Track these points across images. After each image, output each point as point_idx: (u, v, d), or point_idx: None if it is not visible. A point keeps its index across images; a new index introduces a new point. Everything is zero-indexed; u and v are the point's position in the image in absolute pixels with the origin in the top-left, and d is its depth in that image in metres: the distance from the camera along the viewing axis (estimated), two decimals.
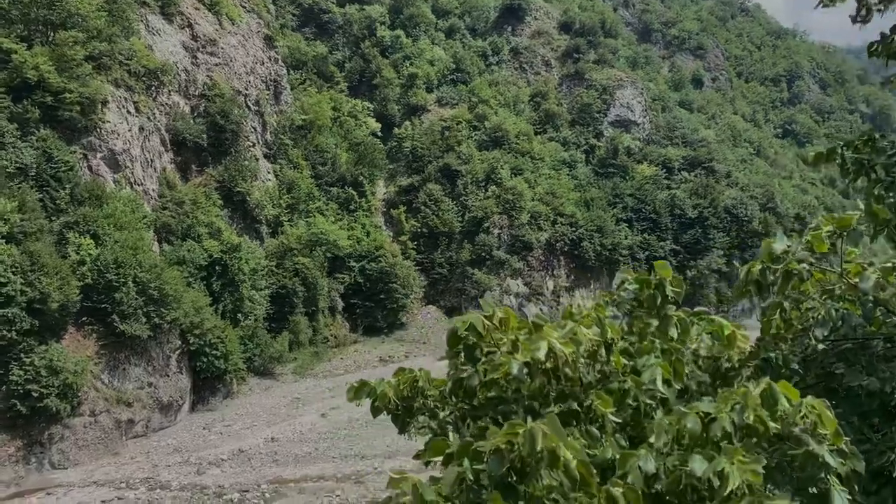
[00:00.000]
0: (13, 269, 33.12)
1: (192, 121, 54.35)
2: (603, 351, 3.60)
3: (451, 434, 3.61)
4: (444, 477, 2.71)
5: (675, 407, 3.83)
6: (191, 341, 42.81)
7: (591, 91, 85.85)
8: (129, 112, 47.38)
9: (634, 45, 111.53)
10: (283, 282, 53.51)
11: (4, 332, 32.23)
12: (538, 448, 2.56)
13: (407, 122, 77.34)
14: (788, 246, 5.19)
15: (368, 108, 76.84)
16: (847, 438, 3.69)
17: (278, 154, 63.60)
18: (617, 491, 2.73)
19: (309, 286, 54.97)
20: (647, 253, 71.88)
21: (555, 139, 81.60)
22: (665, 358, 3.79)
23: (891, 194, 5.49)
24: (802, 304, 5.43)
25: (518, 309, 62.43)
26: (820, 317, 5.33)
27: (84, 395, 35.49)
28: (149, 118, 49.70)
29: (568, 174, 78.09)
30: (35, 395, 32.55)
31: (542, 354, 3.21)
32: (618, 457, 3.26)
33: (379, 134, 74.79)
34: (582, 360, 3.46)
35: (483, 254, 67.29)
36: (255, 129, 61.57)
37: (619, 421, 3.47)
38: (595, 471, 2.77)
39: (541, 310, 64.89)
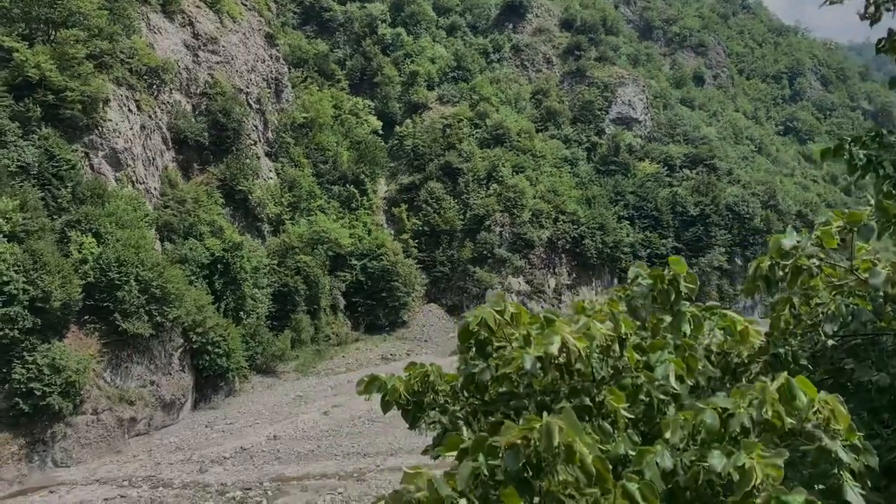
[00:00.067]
0: (15, 268, 33.13)
1: (193, 119, 54.34)
2: (616, 346, 3.56)
3: (464, 430, 3.58)
4: (458, 472, 2.68)
5: (686, 402, 3.80)
6: (193, 339, 42.82)
7: (592, 88, 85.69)
8: (130, 110, 47.37)
9: (636, 42, 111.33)
10: (285, 280, 53.51)
11: (7, 331, 32.24)
12: (555, 443, 2.53)
13: (408, 120, 77.23)
14: (798, 241, 5.16)
15: (369, 106, 76.78)
16: (860, 434, 3.66)
17: (280, 152, 63.56)
18: (633, 486, 2.70)
19: (311, 284, 54.97)
20: (648, 251, 71.80)
21: (556, 137, 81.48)
22: (678, 354, 3.76)
23: None
24: (812, 300, 5.40)
25: None
26: (830, 312, 5.30)
27: (86, 393, 35.52)
28: (150, 116, 49.68)
29: (569, 172, 77.98)
30: (38, 393, 32.57)
31: (555, 349, 3.18)
32: (630, 452, 3.23)
33: (380, 132, 74.72)
34: (595, 355, 3.42)
35: (484, 252, 67.24)
36: (256, 127, 61.53)
37: (632, 417, 3.44)
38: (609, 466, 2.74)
39: (542, 307, 64.84)
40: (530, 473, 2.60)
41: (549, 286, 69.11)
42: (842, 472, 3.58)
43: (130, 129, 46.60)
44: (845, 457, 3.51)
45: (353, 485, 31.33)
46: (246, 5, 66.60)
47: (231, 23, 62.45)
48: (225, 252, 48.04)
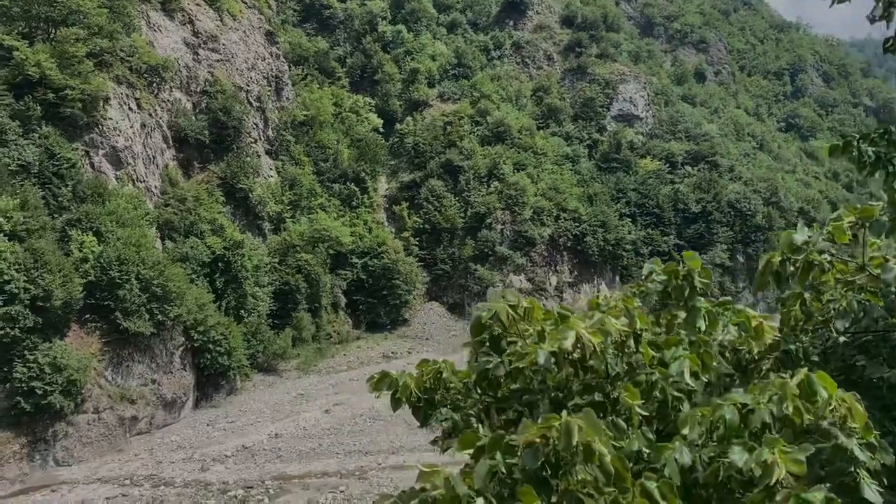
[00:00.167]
0: (16, 267, 33.11)
1: (193, 117, 54.27)
2: (631, 342, 3.51)
3: (479, 427, 3.52)
4: (475, 470, 2.63)
5: (699, 399, 3.74)
6: (194, 338, 42.81)
7: (593, 85, 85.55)
8: (130, 109, 47.31)
9: (637, 39, 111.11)
10: (286, 278, 53.49)
11: (8, 330, 32.24)
12: (574, 442, 2.48)
13: (409, 118, 77.12)
14: (809, 236, 5.10)
15: (370, 103, 76.66)
16: (876, 433, 3.62)
17: (280, 150, 63.49)
18: (651, 485, 2.65)
19: (311, 283, 54.96)
20: (650, 248, 71.71)
21: (557, 134, 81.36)
22: (692, 350, 3.71)
23: None
24: (823, 296, 5.34)
25: None
26: (841, 308, 5.23)
27: (88, 392, 35.51)
28: (150, 115, 49.62)
29: (571, 169, 77.87)
30: (39, 392, 32.57)
31: (569, 344, 3.12)
32: (644, 449, 3.19)
33: (381, 130, 74.62)
34: (610, 350, 3.37)
35: (486, 250, 67.19)
36: (256, 125, 61.45)
37: (645, 414, 3.39)
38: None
39: (543, 305, 64.66)
40: (549, 472, 2.55)
41: (550, 284, 69.06)
42: (858, 471, 3.54)
43: (131, 127, 46.54)
44: (862, 455, 3.46)
45: (355, 483, 31.32)
46: (246, 3, 66.49)
47: (231, 21, 62.35)
48: (226, 250, 48.03)
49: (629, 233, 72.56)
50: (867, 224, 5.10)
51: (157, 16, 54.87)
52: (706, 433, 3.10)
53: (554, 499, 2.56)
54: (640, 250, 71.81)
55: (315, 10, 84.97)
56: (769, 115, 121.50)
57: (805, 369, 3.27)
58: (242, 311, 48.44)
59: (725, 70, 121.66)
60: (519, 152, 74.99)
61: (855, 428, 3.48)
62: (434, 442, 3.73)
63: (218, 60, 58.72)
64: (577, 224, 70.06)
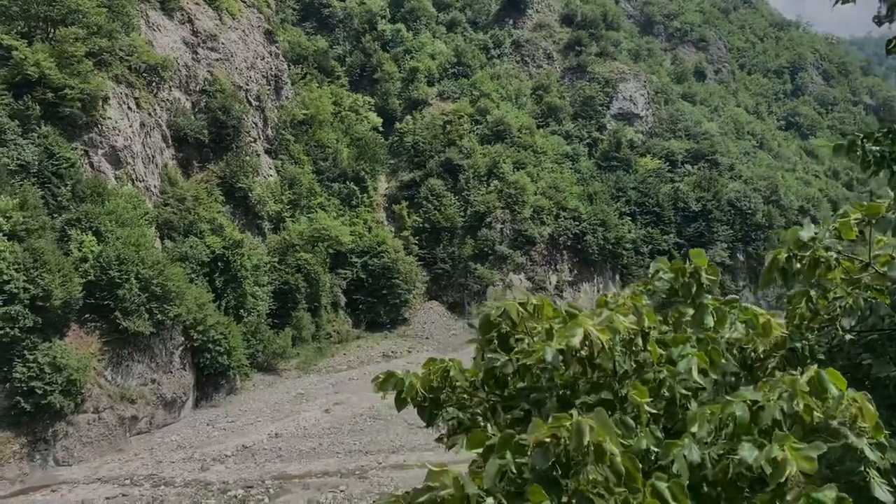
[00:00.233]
0: (16, 267, 33.06)
1: (193, 116, 54.20)
2: (640, 339, 3.47)
3: (487, 426, 3.48)
4: (485, 469, 2.59)
5: (705, 397, 3.71)
6: (194, 338, 42.77)
7: (593, 84, 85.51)
8: (129, 108, 47.25)
9: (636, 37, 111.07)
10: (286, 278, 53.44)
11: (7, 330, 32.19)
12: (585, 442, 2.44)
13: (408, 117, 77.05)
14: (816, 233, 5.07)
15: (369, 102, 76.57)
16: (886, 433, 3.59)
17: (279, 149, 63.42)
18: (662, 485, 2.61)
19: (311, 282, 54.92)
20: (650, 247, 71.70)
21: (557, 133, 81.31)
22: (700, 347, 3.67)
23: None
24: (829, 293, 5.31)
25: None
26: (847, 306, 5.20)
27: (88, 391, 35.47)
28: (150, 114, 49.56)
29: (571, 168, 77.84)
30: (39, 392, 32.53)
31: (577, 341, 3.09)
32: (653, 447, 3.15)
33: (380, 129, 74.55)
34: (618, 348, 3.33)
35: (485, 249, 67.16)
36: (256, 124, 61.38)
37: (653, 412, 3.35)
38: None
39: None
40: (559, 472, 2.51)
41: (550, 283, 69.04)
42: (868, 470, 3.50)
43: (130, 126, 46.48)
44: (872, 455, 3.43)
45: (355, 482, 31.29)
46: (245, 2, 66.40)
47: (230, 20, 62.27)
48: (225, 250, 47.98)
49: (629, 231, 72.53)
50: (873, 221, 5.07)
51: (156, 15, 54.79)
52: (715, 430, 3.06)
53: (564, 499, 2.53)
54: (640, 249, 71.79)
55: (314, 8, 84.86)
56: (769, 113, 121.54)
57: (815, 366, 3.24)
58: (242, 311, 48.40)
59: (725, 68, 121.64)
60: (519, 151, 74.95)
61: (865, 427, 3.44)
62: (439, 440, 3.69)
63: (217, 59, 58.64)
64: (576, 223, 70.02)
